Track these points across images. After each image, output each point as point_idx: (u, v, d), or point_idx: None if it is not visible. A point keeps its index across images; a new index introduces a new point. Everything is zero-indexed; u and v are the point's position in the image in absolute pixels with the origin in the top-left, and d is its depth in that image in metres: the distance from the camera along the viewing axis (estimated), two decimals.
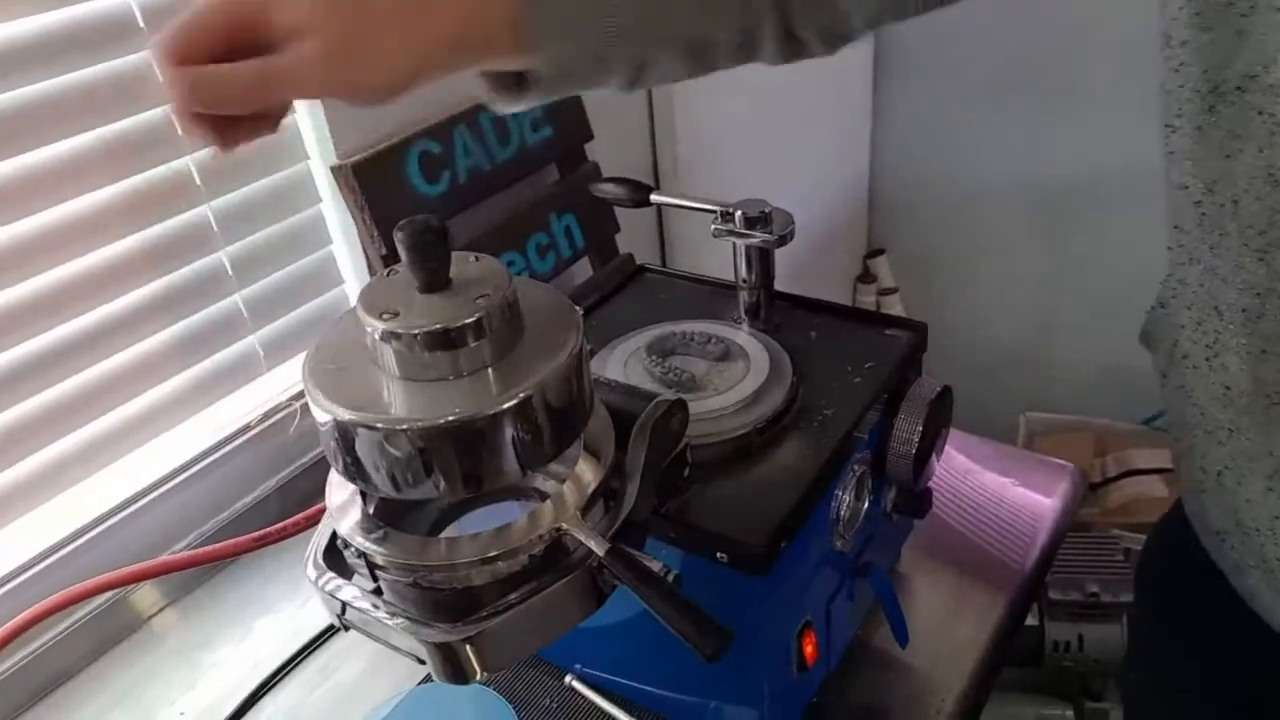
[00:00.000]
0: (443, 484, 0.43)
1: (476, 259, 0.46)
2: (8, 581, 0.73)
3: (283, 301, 0.87)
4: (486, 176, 0.93)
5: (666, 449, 0.51)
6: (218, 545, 0.75)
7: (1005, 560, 0.78)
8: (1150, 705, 0.72)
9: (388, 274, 0.45)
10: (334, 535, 0.49)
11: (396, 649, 0.47)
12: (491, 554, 0.44)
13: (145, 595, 0.80)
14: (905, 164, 1.78)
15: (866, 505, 0.64)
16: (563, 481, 0.48)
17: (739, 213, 0.67)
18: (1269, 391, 0.47)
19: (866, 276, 1.88)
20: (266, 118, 0.45)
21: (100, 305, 0.74)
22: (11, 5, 0.65)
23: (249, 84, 0.42)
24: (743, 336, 0.68)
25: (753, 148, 1.39)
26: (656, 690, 0.63)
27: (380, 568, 0.46)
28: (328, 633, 0.76)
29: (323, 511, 0.49)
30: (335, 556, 0.49)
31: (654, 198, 0.75)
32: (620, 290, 0.78)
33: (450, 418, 0.41)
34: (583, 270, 1.05)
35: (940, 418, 0.65)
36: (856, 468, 0.62)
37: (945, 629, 0.72)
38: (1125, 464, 1.61)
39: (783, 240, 0.67)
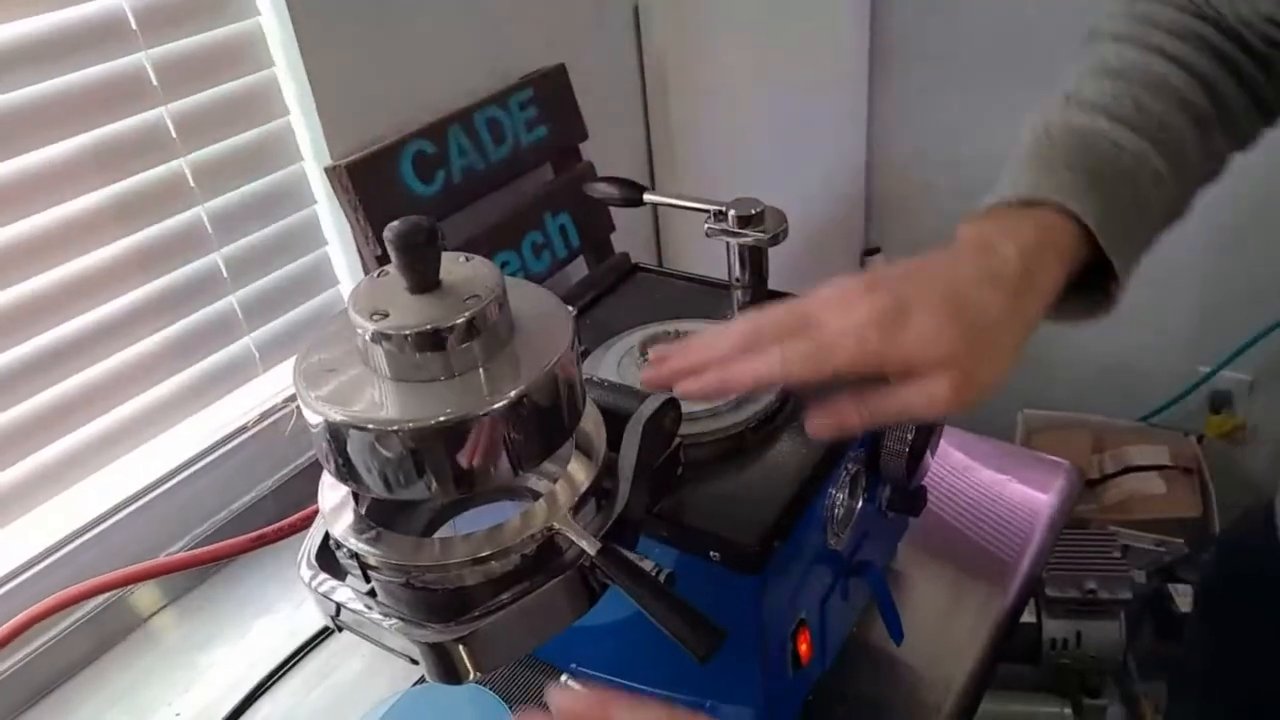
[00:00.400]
0: (435, 484, 0.43)
1: (467, 259, 0.46)
2: (7, 582, 0.73)
3: (278, 303, 0.87)
4: (481, 176, 0.93)
5: (659, 448, 0.51)
6: (215, 546, 0.74)
7: (1002, 557, 0.78)
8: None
9: (378, 275, 0.45)
10: (327, 536, 0.49)
11: (390, 650, 0.47)
12: (484, 554, 0.44)
13: (143, 596, 0.80)
14: (902, 161, 1.78)
15: (861, 503, 0.64)
16: (555, 481, 0.48)
17: (732, 212, 0.67)
18: None
19: None
20: None
21: (96, 307, 0.74)
22: (4, 8, 0.65)
23: (888, 416, 0.48)
24: None
25: (748, 146, 1.39)
26: (651, 690, 0.63)
27: (373, 568, 0.46)
28: (325, 633, 0.76)
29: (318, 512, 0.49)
30: (328, 557, 0.49)
31: (648, 197, 0.75)
32: (615, 289, 0.78)
33: (442, 418, 0.41)
34: (578, 269, 1.05)
35: None
36: (850, 466, 0.62)
37: (942, 626, 0.72)
38: (1122, 461, 1.61)
39: (776, 239, 0.67)
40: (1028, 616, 1.35)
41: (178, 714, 0.72)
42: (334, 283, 0.92)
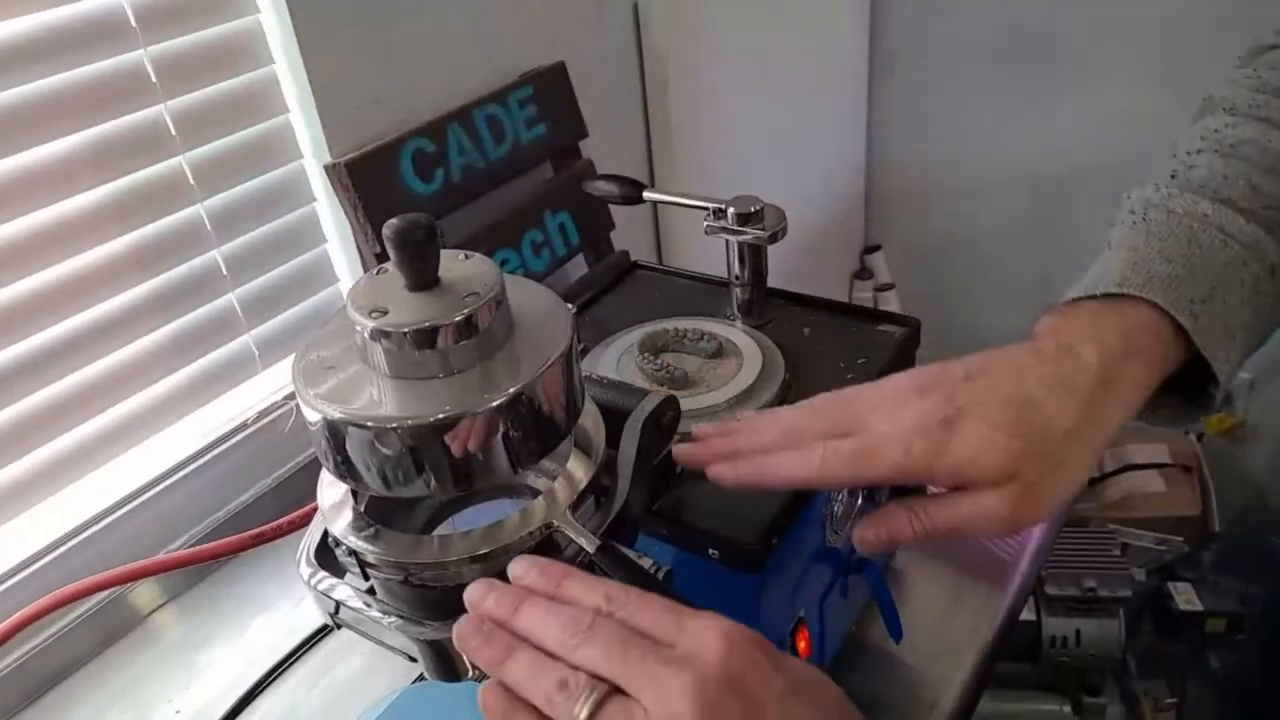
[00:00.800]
0: (433, 482, 0.43)
1: (466, 257, 0.46)
2: (6, 580, 0.73)
3: (277, 300, 0.87)
4: (481, 174, 0.93)
5: (658, 446, 0.51)
6: (215, 543, 0.74)
7: (1002, 555, 0.78)
8: None
9: (377, 272, 0.45)
10: (326, 534, 0.49)
11: (389, 647, 0.47)
12: (483, 551, 0.44)
13: (143, 593, 0.80)
14: (902, 159, 1.78)
15: (860, 501, 0.64)
16: (554, 479, 0.48)
17: (731, 209, 0.67)
18: None
19: (864, 272, 1.88)
20: None
21: (95, 305, 0.74)
22: (4, 6, 0.65)
23: (943, 532, 0.45)
24: (736, 333, 0.68)
25: (748, 145, 1.39)
26: None
27: (372, 566, 0.46)
28: (324, 630, 0.76)
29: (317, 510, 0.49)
30: (328, 555, 0.49)
31: (647, 195, 0.75)
32: (614, 287, 0.78)
33: (440, 416, 0.41)
34: (578, 267, 1.05)
35: None
36: None
37: (941, 624, 0.72)
38: (1122, 459, 1.61)
39: (774, 236, 0.67)
40: (1027, 615, 1.35)
41: (178, 711, 0.72)
42: (333, 280, 0.92)
